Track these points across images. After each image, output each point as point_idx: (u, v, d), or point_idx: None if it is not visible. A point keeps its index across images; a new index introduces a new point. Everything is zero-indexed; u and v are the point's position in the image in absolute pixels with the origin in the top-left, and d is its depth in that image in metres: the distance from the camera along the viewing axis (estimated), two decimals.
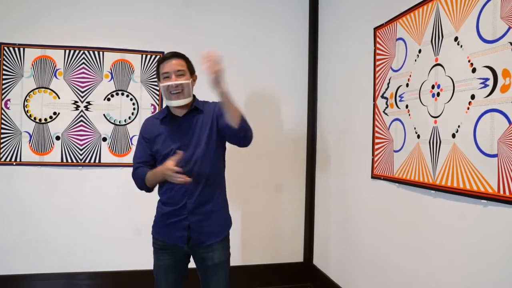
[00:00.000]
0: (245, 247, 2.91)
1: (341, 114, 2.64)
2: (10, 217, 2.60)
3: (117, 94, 2.72)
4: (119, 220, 2.72)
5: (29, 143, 2.60)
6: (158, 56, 2.76)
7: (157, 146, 1.74)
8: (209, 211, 1.72)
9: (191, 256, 1.79)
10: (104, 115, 2.70)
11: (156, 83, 2.76)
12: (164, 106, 2.72)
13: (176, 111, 1.74)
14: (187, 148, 1.68)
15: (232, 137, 1.66)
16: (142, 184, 1.76)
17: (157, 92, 2.77)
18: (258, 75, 2.96)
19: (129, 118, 2.74)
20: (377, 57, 2.15)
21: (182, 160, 1.60)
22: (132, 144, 2.73)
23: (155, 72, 2.74)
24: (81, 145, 2.67)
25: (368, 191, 2.25)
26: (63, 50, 2.64)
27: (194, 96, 1.78)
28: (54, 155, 2.63)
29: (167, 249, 1.73)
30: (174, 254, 1.73)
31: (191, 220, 1.69)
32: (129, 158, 2.72)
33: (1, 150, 2.57)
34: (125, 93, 2.73)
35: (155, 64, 1.75)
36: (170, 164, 1.56)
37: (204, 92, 1.80)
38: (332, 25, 2.82)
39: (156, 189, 1.81)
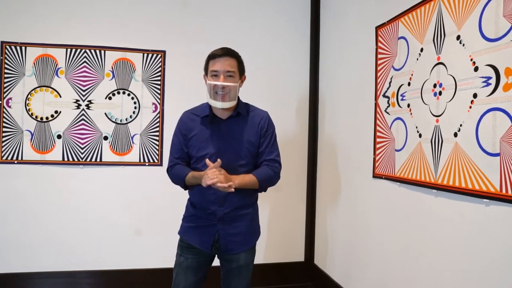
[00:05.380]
0: None
1: (342, 113, 2.64)
2: (11, 215, 2.60)
3: (118, 93, 2.72)
4: (120, 219, 2.71)
5: (31, 141, 2.60)
6: (159, 55, 2.76)
7: (192, 146, 1.67)
8: (239, 219, 1.68)
9: (216, 256, 1.77)
10: (105, 114, 2.70)
11: (157, 82, 2.76)
12: (163, 103, 2.74)
13: (218, 112, 1.68)
14: (225, 154, 1.62)
15: None
16: (181, 183, 1.72)
17: (159, 91, 2.77)
18: (259, 73, 2.95)
19: (130, 117, 2.74)
20: (379, 56, 2.15)
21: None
22: (133, 143, 2.73)
23: (156, 71, 2.76)
24: (82, 143, 2.67)
25: (369, 190, 2.24)
26: (64, 49, 2.64)
27: (238, 97, 1.71)
28: (55, 154, 2.63)
29: (193, 249, 1.69)
30: (199, 255, 1.69)
31: (220, 227, 1.65)
32: (130, 157, 2.72)
33: (3, 149, 2.57)
34: (127, 92, 2.73)
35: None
36: (211, 173, 1.50)
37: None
38: (333, 24, 2.82)
39: None
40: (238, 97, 1.71)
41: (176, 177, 1.72)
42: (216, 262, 1.80)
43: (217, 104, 1.62)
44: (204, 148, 1.64)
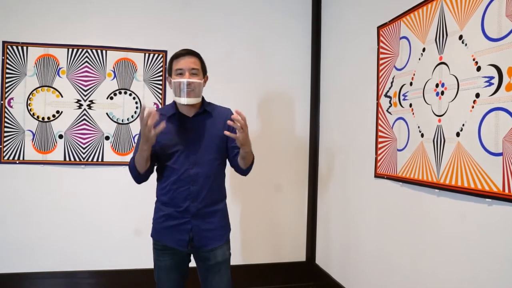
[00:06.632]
0: (248, 246, 2.91)
1: (344, 113, 2.64)
2: (13, 215, 2.60)
3: (120, 93, 2.72)
4: (121, 219, 2.72)
5: (32, 141, 2.61)
6: (160, 55, 2.76)
7: (160, 144, 1.68)
8: (212, 215, 1.70)
9: (192, 255, 1.78)
10: (107, 113, 2.70)
11: (159, 82, 2.76)
12: (164, 103, 2.73)
13: (184, 110, 1.71)
14: (194, 150, 1.66)
15: (235, 168, 1.79)
16: (134, 171, 1.66)
17: (160, 91, 2.77)
18: (260, 74, 2.96)
19: (132, 117, 2.74)
20: (381, 56, 2.15)
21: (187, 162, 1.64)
22: (135, 143, 2.73)
23: (158, 71, 2.76)
24: (83, 143, 2.67)
25: (371, 190, 2.24)
26: (66, 49, 2.64)
27: (202, 97, 1.75)
28: (57, 154, 2.63)
29: (168, 250, 1.70)
30: (175, 255, 1.71)
31: (193, 223, 1.66)
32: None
33: (4, 149, 2.57)
34: (128, 92, 2.73)
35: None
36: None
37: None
38: (335, 24, 2.82)
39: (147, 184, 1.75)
40: (203, 96, 1.74)
41: (132, 168, 1.67)
42: (192, 264, 1.78)
43: (182, 101, 1.64)
44: (173, 145, 1.66)
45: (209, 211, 1.69)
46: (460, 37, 1.54)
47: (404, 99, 1.93)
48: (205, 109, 1.72)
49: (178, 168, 1.65)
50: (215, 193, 1.72)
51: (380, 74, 2.15)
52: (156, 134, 1.49)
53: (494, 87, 1.37)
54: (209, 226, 1.69)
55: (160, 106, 2.76)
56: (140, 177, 1.69)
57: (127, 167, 2.64)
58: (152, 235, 1.75)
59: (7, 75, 2.57)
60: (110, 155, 2.70)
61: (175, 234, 1.67)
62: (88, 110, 2.67)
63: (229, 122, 1.52)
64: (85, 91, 2.67)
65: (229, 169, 1.81)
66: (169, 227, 1.68)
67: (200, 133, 1.69)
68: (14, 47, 2.58)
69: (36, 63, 2.61)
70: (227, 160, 1.80)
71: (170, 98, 2.75)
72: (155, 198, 1.78)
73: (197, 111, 1.71)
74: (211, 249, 1.70)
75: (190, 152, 1.65)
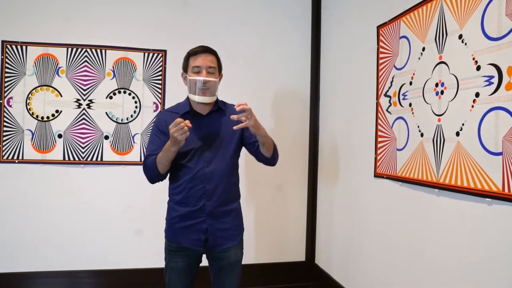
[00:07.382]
0: (247, 246, 2.88)
1: (343, 112, 2.63)
2: (12, 215, 2.59)
3: (119, 92, 2.71)
4: (121, 218, 2.71)
5: (31, 141, 2.60)
6: (160, 55, 2.76)
7: None
8: (227, 214, 1.69)
9: (204, 255, 1.76)
10: (106, 113, 2.69)
11: (158, 81, 2.76)
12: (164, 102, 2.74)
13: (198, 108, 1.69)
14: (209, 149, 1.65)
15: (262, 161, 1.77)
16: (154, 171, 1.62)
17: (160, 91, 2.77)
18: (260, 74, 2.95)
19: (131, 116, 2.73)
20: (380, 55, 2.15)
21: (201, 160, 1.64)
22: (134, 142, 2.73)
23: (157, 70, 2.76)
24: (83, 143, 2.66)
25: (370, 190, 2.24)
26: (65, 48, 2.64)
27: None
28: (56, 153, 2.63)
29: (182, 252, 1.68)
30: (189, 256, 1.69)
31: (209, 222, 1.65)
32: (131, 157, 2.72)
33: (4, 148, 2.57)
34: (127, 91, 2.72)
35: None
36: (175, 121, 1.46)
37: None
38: (335, 24, 2.81)
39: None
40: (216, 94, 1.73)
41: (149, 167, 1.64)
42: (204, 262, 1.77)
43: (196, 99, 1.62)
44: (188, 143, 1.62)
45: (223, 211, 1.68)
46: (460, 36, 1.53)
47: (403, 99, 1.92)
48: (219, 106, 1.71)
49: (193, 167, 1.63)
50: (230, 191, 1.71)
51: (380, 73, 2.15)
52: (185, 137, 1.48)
53: (494, 87, 1.36)
54: (224, 226, 1.68)
55: (159, 106, 2.76)
56: (159, 177, 1.67)
57: (126, 167, 2.71)
58: (166, 237, 1.73)
59: (7, 75, 2.57)
60: (109, 154, 2.70)
61: (191, 234, 1.65)
62: (88, 110, 2.67)
63: (232, 116, 1.51)
64: (85, 90, 2.67)
65: None
66: (184, 227, 1.66)
67: (214, 131, 1.68)
68: (14, 47, 2.58)
69: (35, 63, 2.60)
70: (238, 161, 1.78)
71: (169, 98, 2.75)
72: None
73: (211, 109, 1.70)
74: (225, 249, 1.69)
75: (205, 151, 1.64)
